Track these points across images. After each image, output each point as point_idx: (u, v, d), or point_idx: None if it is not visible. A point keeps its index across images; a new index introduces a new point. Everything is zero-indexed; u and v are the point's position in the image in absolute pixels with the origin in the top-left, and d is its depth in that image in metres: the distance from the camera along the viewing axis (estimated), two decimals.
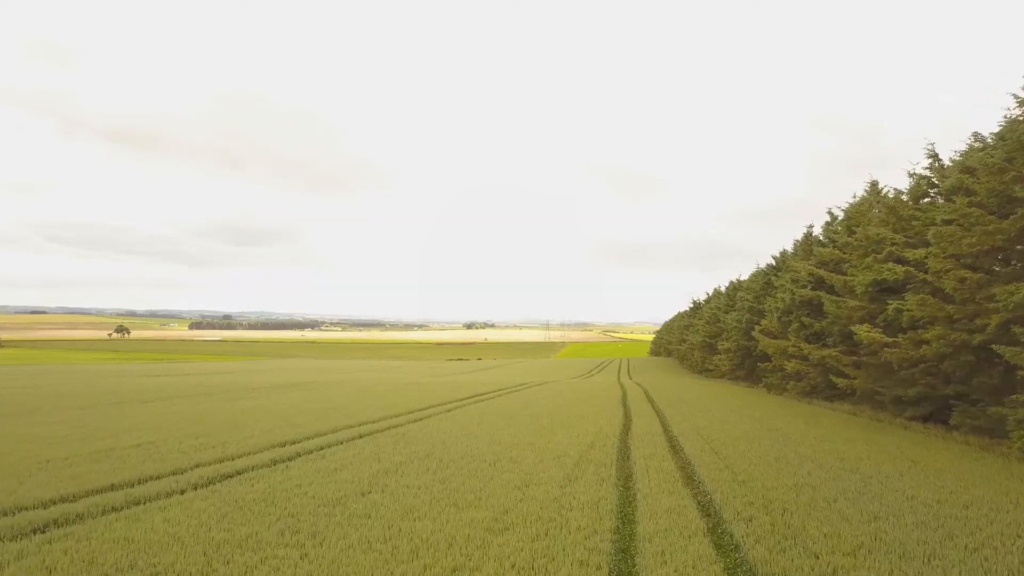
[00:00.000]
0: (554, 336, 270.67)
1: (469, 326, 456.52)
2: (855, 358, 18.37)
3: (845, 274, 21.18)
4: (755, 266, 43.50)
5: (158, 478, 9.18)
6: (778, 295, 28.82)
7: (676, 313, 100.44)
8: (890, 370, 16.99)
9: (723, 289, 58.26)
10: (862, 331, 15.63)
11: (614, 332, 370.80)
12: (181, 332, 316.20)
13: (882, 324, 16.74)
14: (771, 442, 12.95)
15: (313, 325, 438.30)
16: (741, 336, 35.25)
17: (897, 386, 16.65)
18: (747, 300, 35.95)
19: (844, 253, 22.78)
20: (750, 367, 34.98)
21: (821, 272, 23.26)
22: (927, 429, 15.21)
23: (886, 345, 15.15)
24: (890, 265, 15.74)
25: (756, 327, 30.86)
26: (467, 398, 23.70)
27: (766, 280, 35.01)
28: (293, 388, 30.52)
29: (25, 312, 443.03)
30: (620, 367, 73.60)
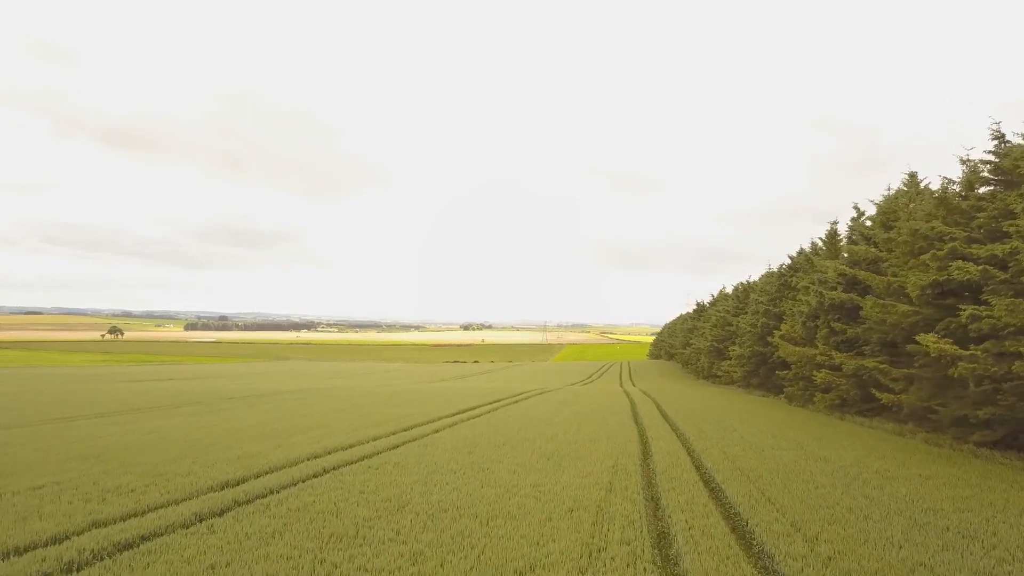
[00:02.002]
0: (551, 338, 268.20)
1: (466, 327, 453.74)
2: (906, 370, 15.94)
3: (885, 274, 18.77)
4: (766, 267, 41.20)
5: (25, 551, 6.69)
6: (801, 298, 26.40)
7: (678, 315, 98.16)
8: (951, 385, 14.58)
9: (729, 291, 55.94)
10: (928, 341, 13.22)
11: (611, 334, 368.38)
12: (175, 333, 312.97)
13: (943, 332, 14.31)
14: (829, 480, 10.50)
15: (309, 326, 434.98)
16: (755, 341, 32.82)
17: (960, 404, 14.22)
18: (761, 303, 33.53)
19: (881, 251, 20.40)
20: (766, 375, 32.56)
21: (855, 272, 20.85)
22: (1006, 459, 12.77)
23: (958, 358, 12.73)
24: (960, 263, 13.31)
25: (775, 332, 28.44)
26: (459, 412, 21.22)
27: (782, 281, 32.61)
28: (269, 398, 28.01)
29: (20, 313, 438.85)
30: (621, 371, 71.18)
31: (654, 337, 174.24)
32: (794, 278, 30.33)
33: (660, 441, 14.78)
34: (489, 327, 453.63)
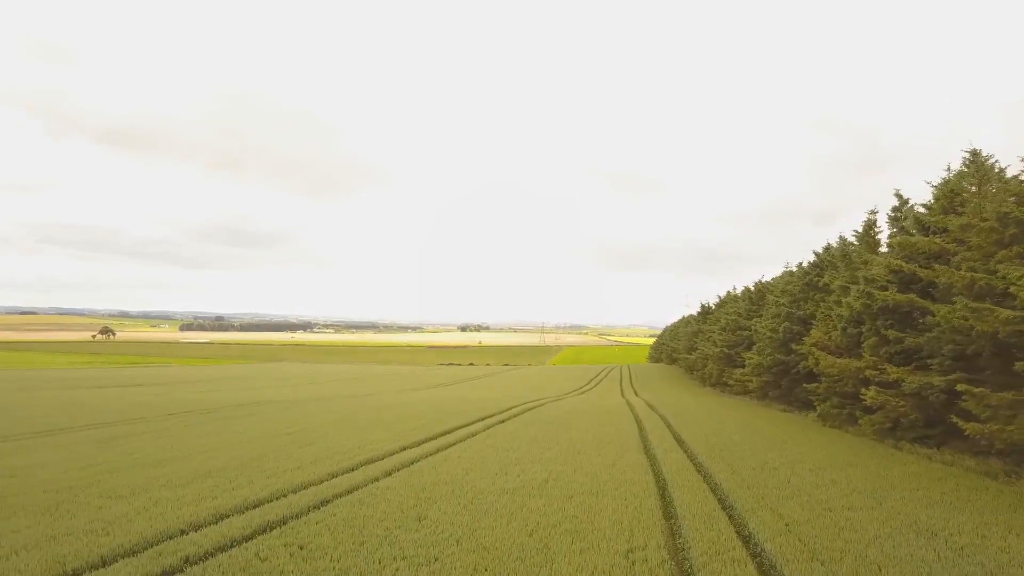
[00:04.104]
0: (549, 339, 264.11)
1: (464, 328, 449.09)
2: (1012, 394, 12.12)
3: (960, 268, 14.98)
4: (768, 266, 37.53)
5: None
6: (839, 299, 22.64)
7: (680, 318, 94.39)
8: None
9: (738, 292, 52.20)
10: None
11: (609, 335, 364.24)
12: (169, 334, 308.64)
13: None
14: None
15: (306, 327, 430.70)
16: (777, 348, 29.00)
17: None
18: (783, 305, 29.73)
19: (947, 242, 16.64)
20: (788, 386, 28.73)
21: (914, 268, 17.09)
22: None
23: None
24: None
25: (804, 338, 24.70)
26: (430, 439, 17.38)
27: (807, 281, 28.83)
28: (220, 414, 24.17)
29: (15, 313, 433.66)
30: (622, 377, 67.45)
31: (653, 339, 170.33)
32: (823, 277, 26.57)
33: (685, 492, 10.96)
34: (487, 328, 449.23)
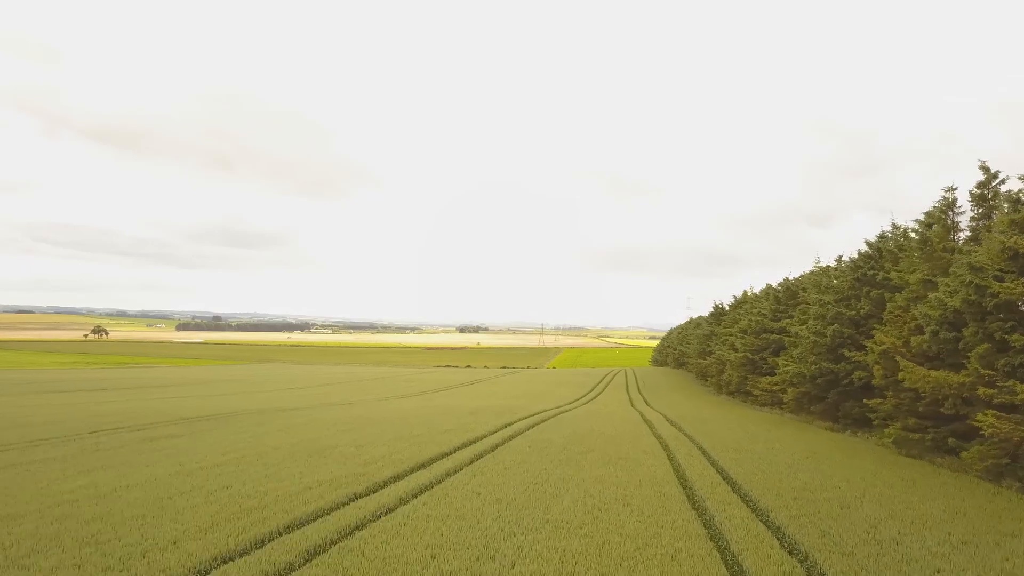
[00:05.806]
0: (548, 341, 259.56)
1: (462, 329, 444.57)
2: None
3: None
4: (813, 261, 33.16)
5: None
6: (909, 294, 18.24)
7: (688, 319, 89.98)
8: None
9: (756, 291, 47.92)
10: None
11: (609, 337, 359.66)
12: (164, 333, 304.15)
13: None
14: None
15: (303, 327, 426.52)
16: (823, 355, 24.54)
17: None
18: (828, 304, 25.29)
19: None
20: (836, 400, 24.29)
21: None
22: None
23: None
24: None
25: (865, 344, 20.27)
26: (396, 478, 12.88)
27: (858, 275, 24.41)
28: (157, 432, 19.64)
29: (12, 311, 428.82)
30: (628, 383, 62.94)
31: (654, 341, 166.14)
32: (883, 270, 22.16)
33: None
34: (485, 329, 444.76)
